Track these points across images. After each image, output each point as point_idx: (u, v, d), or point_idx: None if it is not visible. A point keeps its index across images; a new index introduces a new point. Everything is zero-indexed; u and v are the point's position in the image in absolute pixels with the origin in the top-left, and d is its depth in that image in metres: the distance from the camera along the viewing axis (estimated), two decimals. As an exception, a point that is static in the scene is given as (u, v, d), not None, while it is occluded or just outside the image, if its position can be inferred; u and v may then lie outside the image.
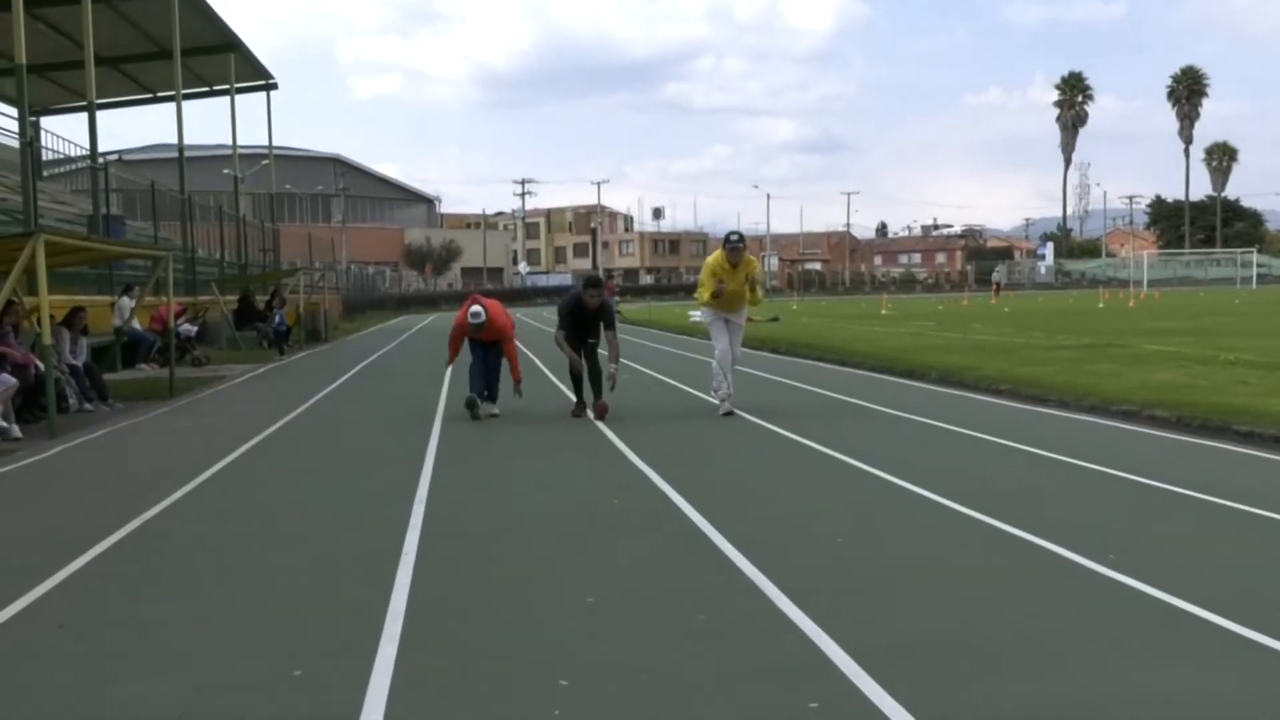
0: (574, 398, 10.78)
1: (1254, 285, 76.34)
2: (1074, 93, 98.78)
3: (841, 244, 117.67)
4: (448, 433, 9.63)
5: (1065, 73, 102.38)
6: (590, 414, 10.38)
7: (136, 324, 17.93)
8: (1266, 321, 25.06)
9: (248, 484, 7.42)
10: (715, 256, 10.53)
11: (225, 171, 37.91)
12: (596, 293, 10.69)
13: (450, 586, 4.69)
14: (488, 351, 10.91)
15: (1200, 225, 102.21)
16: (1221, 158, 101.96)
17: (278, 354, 21.90)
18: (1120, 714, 3.22)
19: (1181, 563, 4.85)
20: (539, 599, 4.47)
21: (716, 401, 10.57)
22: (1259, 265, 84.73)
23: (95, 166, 20.52)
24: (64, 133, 48.98)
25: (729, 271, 10.31)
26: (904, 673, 3.51)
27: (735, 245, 10.36)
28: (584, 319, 10.72)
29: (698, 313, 10.94)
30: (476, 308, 10.72)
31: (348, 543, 5.55)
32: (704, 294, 10.50)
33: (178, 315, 17.93)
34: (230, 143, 32.46)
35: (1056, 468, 7.36)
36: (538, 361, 16.85)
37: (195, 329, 20.56)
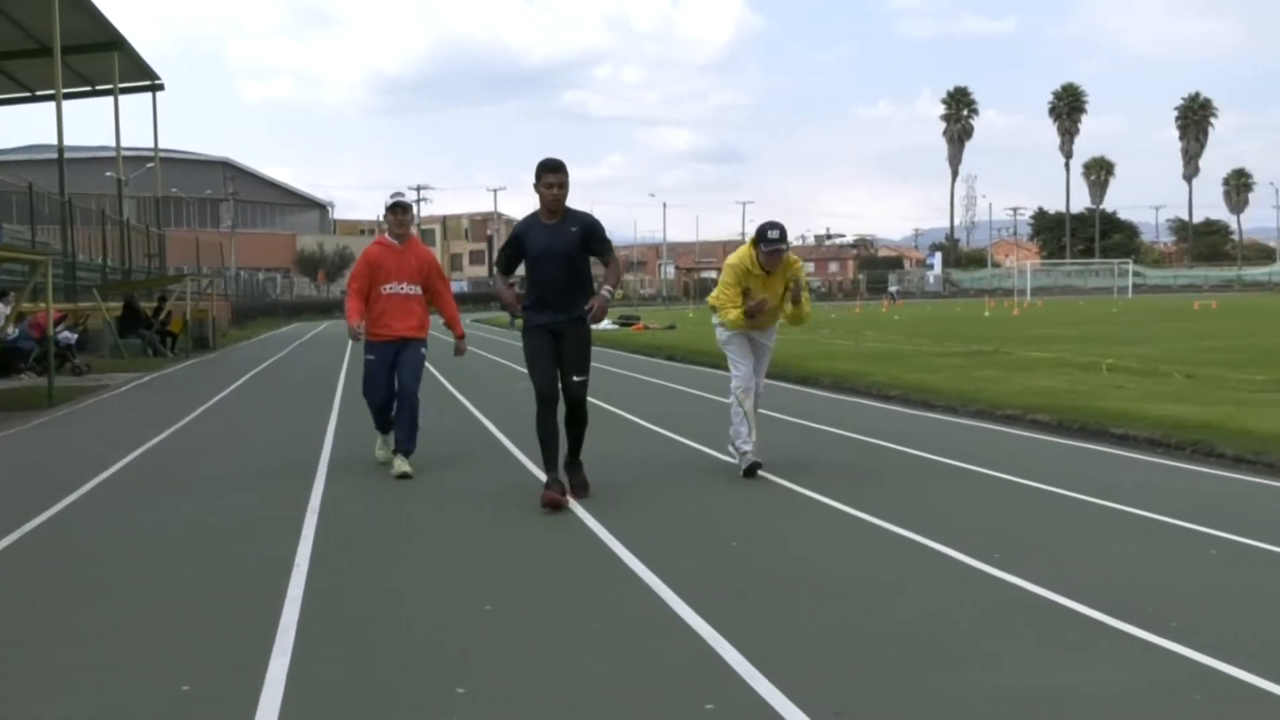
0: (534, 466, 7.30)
1: (1130, 294, 79.35)
2: (960, 107, 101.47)
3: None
4: (341, 440, 9.46)
5: (951, 87, 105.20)
6: (566, 496, 6.42)
7: (13, 331, 17.27)
8: (1142, 329, 26.07)
9: (133, 495, 7.20)
10: (740, 255, 7.43)
11: (109, 174, 36.76)
12: (556, 179, 6.37)
13: (344, 597, 4.63)
14: (400, 355, 7.57)
15: (1080, 236, 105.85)
16: (1099, 172, 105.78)
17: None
18: (1007, 707, 3.33)
19: (1062, 560, 5.03)
20: (435, 607, 4.43)
21: (735, 458, 7.54)
22: (1134, 275, 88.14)
23: (-32, 167, 19.73)
24: (-66, 132, 46.94)
25: (761, 279, 7.34)
26: (797, 673, 3.58)
27: (775, 246, 7.19)
28: (545, 251, 6.40)
29: (720, 332, 7.72)
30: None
31: (238, 554, 5.43)
32: (728, 314, 7.37)
33: (57, 322, 17.32)
34: (114, 144, 31.46)
35: (944, 471, 7.56)
36: (444, 380, 16.64)
37: (75, 336, 19.88)
